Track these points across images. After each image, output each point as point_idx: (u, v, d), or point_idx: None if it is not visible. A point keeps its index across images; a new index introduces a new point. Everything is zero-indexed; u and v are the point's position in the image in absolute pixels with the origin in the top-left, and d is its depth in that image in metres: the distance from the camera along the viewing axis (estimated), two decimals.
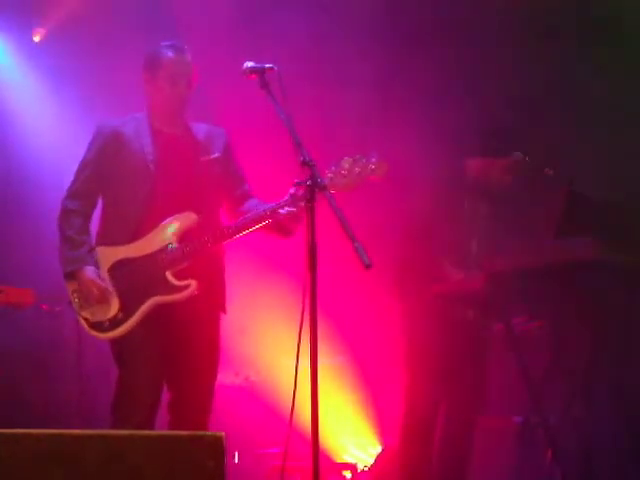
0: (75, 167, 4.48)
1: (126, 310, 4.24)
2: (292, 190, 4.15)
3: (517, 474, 5.08)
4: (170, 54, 4.41)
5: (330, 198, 3.56)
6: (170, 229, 4.29)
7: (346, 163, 4.13)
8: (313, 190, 3.57)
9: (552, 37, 6.16)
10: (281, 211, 4.19)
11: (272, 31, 6.31)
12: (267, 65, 3.86)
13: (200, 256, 4.28)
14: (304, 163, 3.60)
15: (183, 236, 4.29)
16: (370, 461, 6.34)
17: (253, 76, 3.86)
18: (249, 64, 3.89)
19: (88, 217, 4.43)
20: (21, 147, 6.68)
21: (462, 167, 5.13)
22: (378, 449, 6.45)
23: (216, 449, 2.89)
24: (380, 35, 6.44)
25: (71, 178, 4.47)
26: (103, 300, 4.24)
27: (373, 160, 4.14)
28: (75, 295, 4.31)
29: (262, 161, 6.20)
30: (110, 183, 4.38)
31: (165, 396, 4.38)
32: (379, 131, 6.08)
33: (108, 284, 4.26)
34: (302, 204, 4.00)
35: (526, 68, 6.24)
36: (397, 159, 4.34)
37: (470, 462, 5.14)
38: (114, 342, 4.30)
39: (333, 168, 4.12)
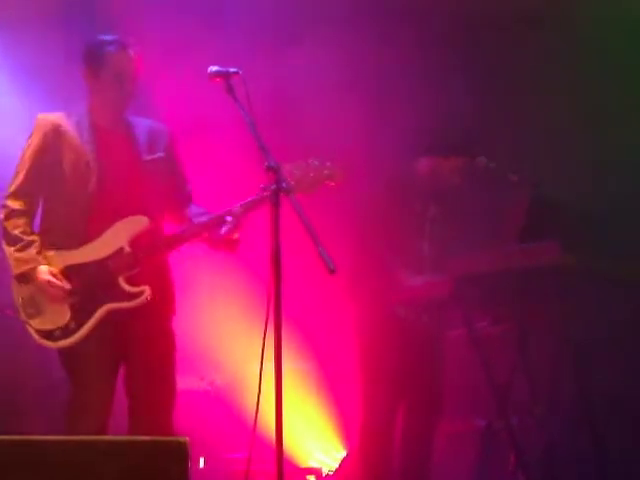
0: None
1: (78, 318, 4.11)
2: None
3: (481, 477, 5.10)
4: (113, 50, 4.25)
5: (295, 202, 3.56)
6: (122, 233, 4.17)
7: (299, 167, 4.09)
8: (278, 194, 3.57)
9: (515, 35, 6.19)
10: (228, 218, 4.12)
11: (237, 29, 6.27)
12: (232, 69, 3.84)
13: (152, 260, 4.20)
14: (269, 168, 3.60)
15: (135, 240, 4.17)
16: (334, 465, 6.35)
17: (218, 80, 3.85)
18: (214, 68, 3.87)
19: (32, 217, 4.26)
20: None
21: (413, 167, 5.14)
22: (342, 453, 6.45)
23: (180, 454, 2.88)
24: (336, 39, 6.42)
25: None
26: (62, 300, 4.11)
27: (327, 164, 4.11)
28: (25, 303, 4.16)
29: (228, 165, 6.19)
30: (50, 181, 4.22)
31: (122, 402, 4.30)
32: (332, 133, 6.06)
33: (65, 284, 4.13)
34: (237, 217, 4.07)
35: (485, 67, 6.28)
36: (348, 160, 4.33)
37: (431, 464, 5.16)
38: (64, 351, 4.16)
39: (287, 171, 4.01)
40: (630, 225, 4.88)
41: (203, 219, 4.24)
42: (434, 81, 6.15)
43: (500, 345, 4.92)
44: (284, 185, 3.58)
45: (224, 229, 4.14)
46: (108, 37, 4.32)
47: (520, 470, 4.82)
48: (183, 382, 4.47)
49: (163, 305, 4.30)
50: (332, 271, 3.37)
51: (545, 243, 4.38)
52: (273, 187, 3.58)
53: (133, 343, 4.22)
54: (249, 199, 4.13)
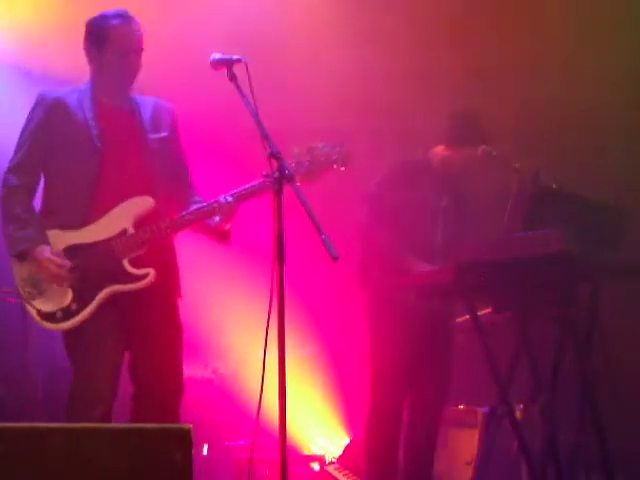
0: None
1: (80, 300, 4.05)
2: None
3: (483, 464, 5.11)
4: (117, 24, 4.17)
5: (298, 190, 3.56)
6: (126, 214, 4.11)
7: (310, 151, 4.07)
8: (281, 182, 3.56)
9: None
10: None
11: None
12: (235, 57, 3.82)
13: (156, 243, 4.14)
14: (271, 155, 3.58)
15: (140, 221, 4.11)
16: (338, 453, 6.36)
17: (221, 68, 3.83)
18: (216, 56, 3.84)
19: (32, 193, 4.18)
20: None
21: (426, 158, 5.15)
22: (346, 441, 6.47)
23: (184, 441, 2.89)
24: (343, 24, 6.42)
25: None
26: (62, 280, 4.03)
27: (337, 149, 4.09)
28: (25, 283, 4.07)
29: (229, 154, 6.20)
30: (53, 157, 4.16)
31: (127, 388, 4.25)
32: (345, 120, 6.07)
33: (65, 262, 4.04)
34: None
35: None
36: (362, 150, 4.33)
37: (436, 453, 5.18)
38: (68, 334, 4.11)
39: (296, 154, 4.05)
40: (632, 214, 4.88)
41: (196, 208, 4.18)
42: (457, 71, 6.17)
43: (503, 332, 4.92)
44: (287, 172, 3.57)
45: (215, 220, 4.11)
46: (111, 11, 4.23)
47: (523, 457, 4.82)
48: (187, 370, 4.47)
49: (168, 289, 4.25)
50: (335, 259, 3.37)
51: (547, 231, 4.37)
52: (276, 174, 3.57)
53: (138, 329, 4.17)
54: (241, 188, 4.11)
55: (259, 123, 3.65)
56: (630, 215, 4.79)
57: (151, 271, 4.10)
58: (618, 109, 5.80)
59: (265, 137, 3.62)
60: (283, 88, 6.04)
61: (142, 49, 4.23)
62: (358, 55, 6.31)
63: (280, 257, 3.46)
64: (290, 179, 3.55)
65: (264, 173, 3.64)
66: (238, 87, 3.76)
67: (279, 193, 3.55)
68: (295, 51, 6.27)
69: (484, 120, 5.20)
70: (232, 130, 6.08)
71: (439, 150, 5.15)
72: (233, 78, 3.79)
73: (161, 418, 4.01)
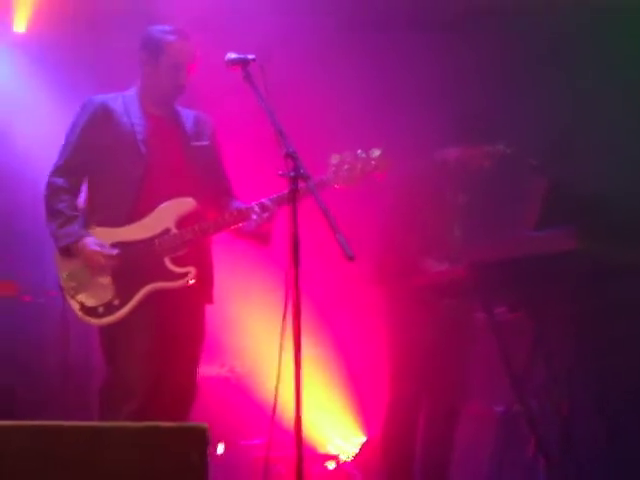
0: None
1: (122, 296, 4.13)
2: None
3: (499, 463, 5.11)
4: (175, 40, 4.30)
5: (313, 189, 3.57)
6: (168, 214, 4.21)
7: (348, 157, 4.14)
8: (296, 182, 3.57)
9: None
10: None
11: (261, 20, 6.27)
12: (250, 56, 3.85)
13: (197, 243, 4.23)
14: (287, 155, 3.59)
15: (182, 221, 4.21)
16: (354, 452, 6.35)
17: (236, 67, 3.85)
18: (231, 55, 3.88)
19: (76, 194, 4.28)
20: (3, 137, 6.59)
21: (442, 157, 5.15)
22: (362, 440, 6.46)
23: (199, 440, 2.89)
24: (362, 29, 6.43)
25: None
26: (107, 271, 4.12)
27: (374, 156, 4.15)
28: (69, 278, 4.16)
29: (247, 152, 6.20)
30: (99, 159, 4.26)
31: None
32: (363, 121, 6.07)
33: (113, 251, 4.14)
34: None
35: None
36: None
37: (453, 452, 5.17)
38: (105, 328, 4.19)
39: (336, 162, 4.12)
40: None
41: (236, 209, 4.26)
42: (469, 71, 6.16)
43: (518, 331, 4.91)
44: (302, 172, 3.58)
45: (253, 222, 4.17)
46: (170, 26, 4.36)
47: (540, 455, 4.81)
48: (203, 368, 4.48)
49: (201, 291, 4.32)
50: (350, 258, 3.37)
51: (562, 229, 4.36)
52: (291, 174, 3.58)
53: (164, 328, 4.21)
54: (280, 193, 4.14)
55: (275, 122, 3.66)
56: None
57: (192, 270, 4.18)
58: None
59: (281, 136, 3.63)
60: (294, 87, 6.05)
61: (194, 69, 4.33)
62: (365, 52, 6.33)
63: (296, 256, 3.47)
64: (305, 178, 3.57)
65: (279, 172, 3.65)
66: (254, 86, 3.77)
67: (294, 192, 3.56)
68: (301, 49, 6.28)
69: (499, 118, 5.20)
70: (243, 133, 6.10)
71: (455, 149, 5.14)
72: (247, 77, 3.81)
73: (170, 418, 3.97)
